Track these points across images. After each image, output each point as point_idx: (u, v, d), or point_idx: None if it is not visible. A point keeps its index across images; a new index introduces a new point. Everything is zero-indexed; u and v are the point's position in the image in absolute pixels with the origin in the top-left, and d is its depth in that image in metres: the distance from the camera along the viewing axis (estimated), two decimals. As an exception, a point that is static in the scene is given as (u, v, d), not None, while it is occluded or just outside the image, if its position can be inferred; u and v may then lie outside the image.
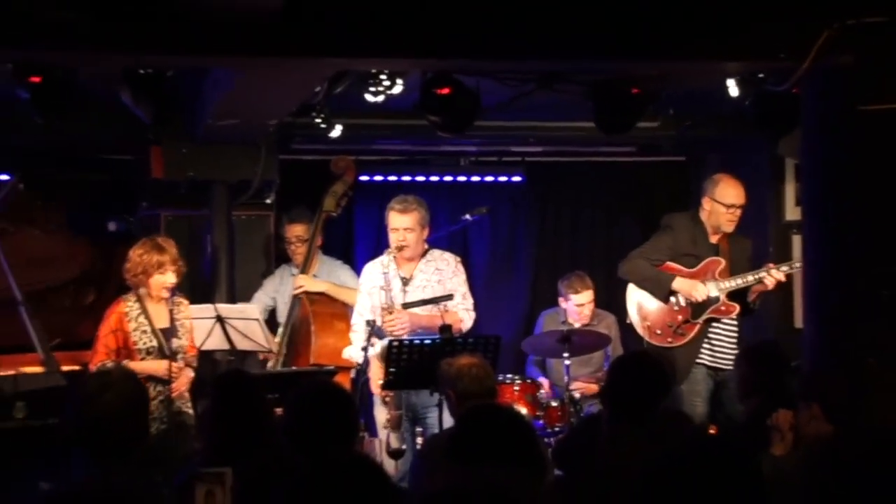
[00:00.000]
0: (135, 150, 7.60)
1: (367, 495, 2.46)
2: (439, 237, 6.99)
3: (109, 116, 6.68)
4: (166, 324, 6.25)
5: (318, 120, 7.07)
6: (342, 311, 7.11)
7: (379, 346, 6.16)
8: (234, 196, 7.52)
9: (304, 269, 7.27)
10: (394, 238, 6.42)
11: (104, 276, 7.28)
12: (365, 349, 6.12)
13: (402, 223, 6.40)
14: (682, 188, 8.57)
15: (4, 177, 7.27)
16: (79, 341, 6.74)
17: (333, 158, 7.46)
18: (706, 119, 7.85)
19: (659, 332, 6.77)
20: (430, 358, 5.60)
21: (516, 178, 8.70)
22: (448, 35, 5.24)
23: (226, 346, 6.68)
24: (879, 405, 5.06)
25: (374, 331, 6.11)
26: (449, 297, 6.30)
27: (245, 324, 6.67)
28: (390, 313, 6.25)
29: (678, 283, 6.71)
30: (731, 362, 6.33)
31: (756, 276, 6.66)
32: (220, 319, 6.57)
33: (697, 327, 6.71)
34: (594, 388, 7.28)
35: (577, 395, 7.05)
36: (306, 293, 7.18)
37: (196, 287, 7.20)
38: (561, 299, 7.50)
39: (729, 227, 6.74)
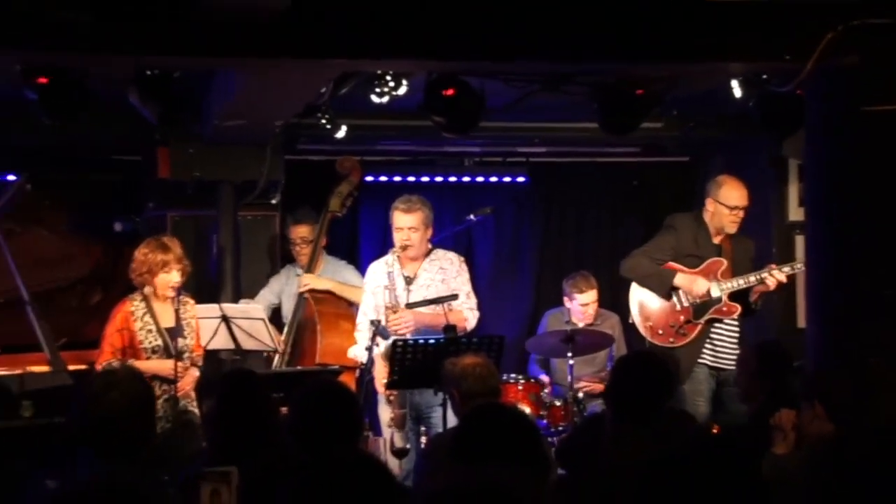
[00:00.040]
0: (141, 150, 7.62)
1: (371, 494, 2.46)
2: (444, 237, 7.01)
3: (116, 117, 6.71)
4: (172, 323, 6.27)
5: (324, 121, 7.09)
6: (347, 311, 7.13)
7: (383, 345, 6.18)
8: (240, 196, 7.54)
9: (310, 269, 7.29)
10: (398, 237, 6.44)
11: (111, 276, 7.30)
12: (369, 349, 6.14)
13: (407, 222, 6.42)
14: (686, 189, 8.58)
15: (12, 177, 7.29)
16: (85, 341, 6.77)
17: (339, 159, 7.47)
18: (710, 120, 7.86)
19: (661, 332, 6.79)
20: (434, 357, 5.62)
21: (520, 179, 8.71)
22: (453, 36, 5.26)
23: (231, 346, 6.71)
24: (882, 405, 5.07)
25: (379, 330, 6.13)
26: (454, 296, 6.33)
27: (250, 323, 6.69)
28: (395, 312, 6.28)
29: (679, 280, 6.73)
30: (732, 362, 6.34)
31: (758, 277, 6.68)
32: (225, 319, 6.60)
33: (699, 327, 6.72)
34: (600, 387, 7.30)
35: (580, 394, 7.07)
36: (312, 292, 7.20)
37: (202, 287, 7.22)
38: (565, 299, 7.52)
39: (732, 229, 6.76)
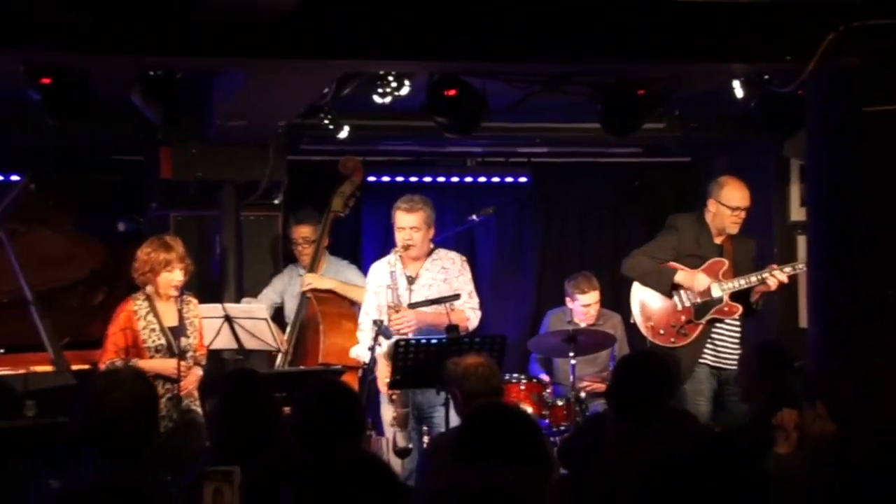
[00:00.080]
0: (144, 150, 7.64)
1: (374, 494, 2.47)
2: (446, 237, 7.01)
3: (119, 117, 6.72)
4: (175, 322, 6.28)
5: (326, 121, 7.10)
6: (350, 311, 7.14)
7: (386, 345, 6.19)
8: (243, 196, 7.56)
9: (312, 269, 7.30)
10: (400, 237, 6.46)
11: (114, 276, 7.30)
12: (372, 348, 6.16)
13: (409, 222, 6.44)
14: (688, 189, 8.58)
15: (16, 177, 7.31)
16: (88, 340, 6.78)
17: (341, 159, 7.49)
18: (712, 121, 7.87)
19: (662, 331, 6.79)
20: (437, 357, 5.63)
21: (523, 179, 8.72)
22: (456, 37, 5.27)
23: (234, 346, 6.72)
24: (884, 405, 5.07)
25: (381, 330, 6.14)
26: (456, 296, 6.34)
27: (253, 323, 6.70)
28: (397, 312, 6.29)
29: (680, 277, 6.74)
30: (734, 362, 6.34)
31: (759, 277, 6.69)
32: (228, 319, 6.61)
33: (700, 328, 6.73)
34: (602, 386, 7.30)
35: (582, 394, 7.07)
36: (314, 292, 7.21)
37: (205, 287, 7.24)
38: (567, 299, 7.53)
39: (733, 230, 6.77)
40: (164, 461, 4.16)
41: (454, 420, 5.47)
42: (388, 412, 6.32)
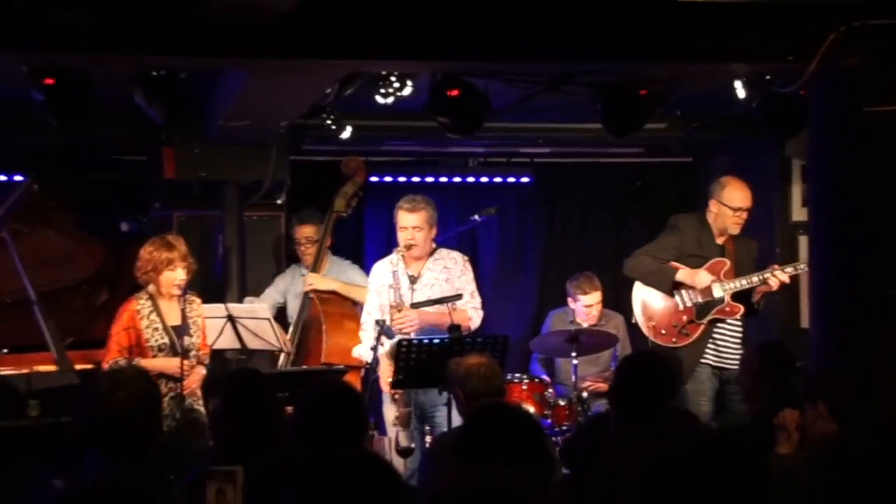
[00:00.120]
0: (147, 150, 7.65)
1: (376, 493, 2.47)
2: (448, 237, 7.02)
3: (122, 117, 6.73)
4: (178, 321, 6.29)
5: (329, 121, 7.11)
6: (352, 311, 7.15)
7: (388, 344, 6.20)
8: (246, 196, 7.57)
9: (315, 269, 7.31)
10: (402, 237, 6.47)
11: (117, 276, 7.31)
12: (374, 348, 6.17)
13: (411, 222, 6.45)
14: (689, 189, 8.59)
15: (19, 178, 7.33)
16: (92, 340, 6.79)
17: (344, 159, 7.49)
18: (713, 121, 7.87)
19: (664, 332, 6.80)
20: (439, 357, 5.64)
21: (525, 179, 8.73)
22: (456, 37, 5.27)
23: (237, 346, 6.72)
24: (885, 405, 5.08)
25: (384, 330, 6.15)
26: (458, 296, 6.35)
27: (256, 323, 6.71)
28: (399, 311, 6.30)
29: (681, 275, 6.75)
30: (735, 362, 6.35)
31: (760, 277, 6.69)
32: (231, 319, 6.61)
33: (702, 328, 6.74)
34: (604, 386, 7.31)
35: (584, 394, 7.08)
36: (317, 292, 7.22)
37: (207, 287, 7.25)
38: (569, 300, 7.53)
39: (735, 230, 6.78)
40: (168, 460, 4.16)
41: (456, 420, 5.48)
42: (390, 412, 6.33)
